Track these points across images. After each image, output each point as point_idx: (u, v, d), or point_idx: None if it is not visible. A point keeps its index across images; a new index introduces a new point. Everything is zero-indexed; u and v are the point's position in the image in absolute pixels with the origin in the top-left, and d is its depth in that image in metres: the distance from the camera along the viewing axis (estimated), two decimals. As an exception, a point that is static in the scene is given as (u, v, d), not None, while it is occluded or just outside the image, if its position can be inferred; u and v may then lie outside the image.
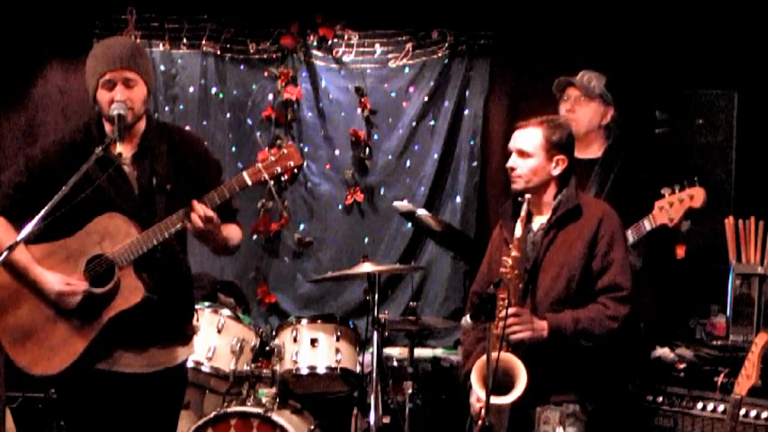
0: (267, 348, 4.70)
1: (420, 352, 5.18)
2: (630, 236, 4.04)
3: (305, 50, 5.95)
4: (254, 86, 5.99)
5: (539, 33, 5.65)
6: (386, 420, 4.47)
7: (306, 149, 5.92)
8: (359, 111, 5.91)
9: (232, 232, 3.46)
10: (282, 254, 5.98)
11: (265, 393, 4.67)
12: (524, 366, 3.40)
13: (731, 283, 4.16)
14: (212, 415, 4.43)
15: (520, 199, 3.60)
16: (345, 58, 5.94)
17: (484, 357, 3.28)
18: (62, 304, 3.23)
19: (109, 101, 3.28)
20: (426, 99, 5.85)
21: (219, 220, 3.28)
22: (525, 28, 5.70)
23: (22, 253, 3.24)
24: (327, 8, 5.91)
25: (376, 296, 4.31)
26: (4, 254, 3.08)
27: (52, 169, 3.29)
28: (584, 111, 4.38)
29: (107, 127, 3.34)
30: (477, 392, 3.45)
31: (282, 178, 5.81)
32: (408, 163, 5.91)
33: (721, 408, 3.82)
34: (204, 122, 5.98)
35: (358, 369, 4.69)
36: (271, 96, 5.96)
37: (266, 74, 5.97)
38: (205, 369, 4.52)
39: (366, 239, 5.91)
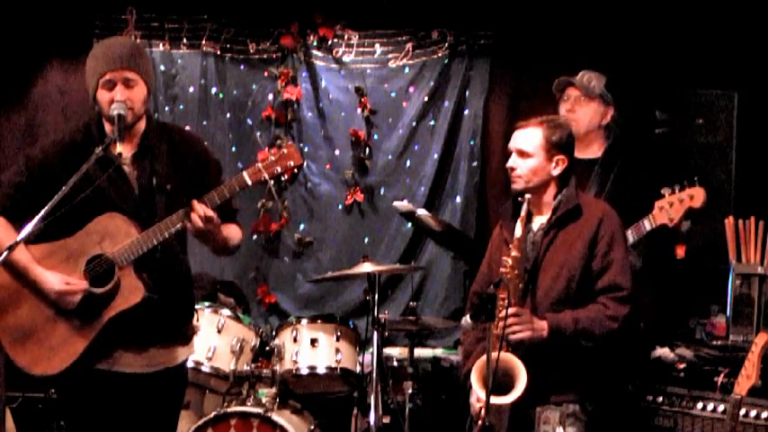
0: (267, 348, 4.70)
1: (420, 352, 5.18)
2: (630, 236, 4.04)
3: (305, 50, 5.95)
4: (254, 86, 5.99)
5: (539, 33, 5.65)
6: (386, 420, 4.47)
7: (306, 149, 5.92)
8: (359, 111, 5.91)
9: (232, 232, 3.46)
10: (282, 254, 5.98)
11: (265, 393, 4.67)
12: (524, 366, 3.40)
13: (731, 283, 4.16)
14: (212, 415, 4.43)
15: (520, 199, 3.60)
16: (345, 58, 5.94)
17: (484, 357, 3.28)
18: (62, 304, 3.23)
19: (109, 101, 3.28)
20: (426, 99, 5.85)
21: (219, 220, 3.28)
22: (525, 28, 5.70)
23: (22, 253, 3.24)
24: (327, 8, 5.91)
25: (376, 296, 4.31)
26: (4, 254, 3.08)
27: (52, 169, 3.29)
28: (584, 111, 4.38)
29: (107, 127, 3.34)
30: (477, 392, 3.45)
31: (282, 178, 5.81)
32: (408, 163, 5.91)
33: (721, 408, 3.82)
34: (204, 122, 5.98)
35: (358, 369, 4.69)
36: (271, 96, 5.96)
37: (266, 74, 5.97)
38: (205, 369, 4.52)
39: (366, 239, 5.91)
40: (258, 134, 5.95)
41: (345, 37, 5.93)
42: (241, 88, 6.00)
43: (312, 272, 5.87)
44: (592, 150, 4.38)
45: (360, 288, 5.54)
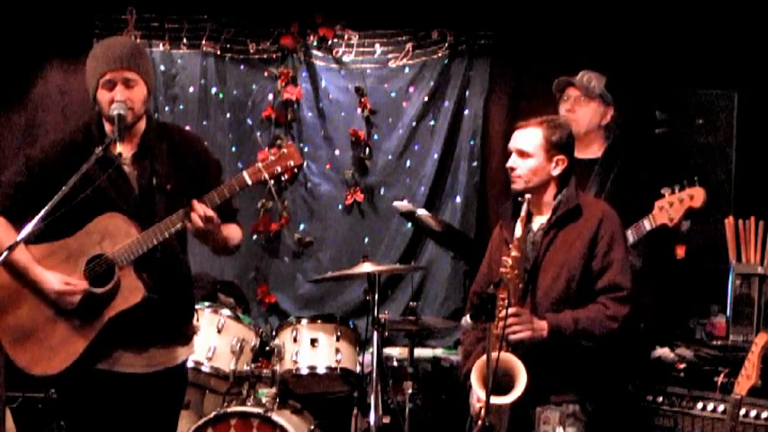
0: (267, 348, 4.70)
1: (420, 352, 5.18)
2: (630, 236, 4.04)
3: (305, 50, 5.95)
4: (254, 86, 5.99)
5: (539, 33, 5.65)
6: (386, 420, 4.47)
7: (306, 149, 5.92)
8: (359, 111, 5.91)
9: (232, 232, 3.46)
10: (282, 254, 5.98)
11: (265, 393, 4.67)
12: (524, 366, 3.40)
13: (731, 283, 4.16)
14: (212, 415, 4.43)
15: (520, 199, 3.60)
16: (345, 58, 5.94)
17: (484, 357, 3.28)
18: (62, 304, 3.23)
19: (109, 101, 3.28)
20: (426, 99, 5.85)
21: (219, 220, 3.28)
22: (525, 28, 5.70)
23: (22, 253, 3.23)
24: (327, 8, 5.91)
25: (376, 296, 4.31)
26: (4, 254, 3.08)
27: (52, 169, 3.29)
28: (584, 111, 4.38)
29: (107, 127, 3.34)
30: (477, 392, 3.45)
31: (282, 178, 5.82)
32: (408, 163, 5.91)
33: (721, 408, 3.82)
34: (204, 122, 5.98)
35: (358, 369, 4.69)
36: (271, 96, 5.96)
37: (266, 74, 5.97)
38: (205, 369, 4.52)
39: (366, 239, 5.91)
40: (258, 134, 5.95)
41: (345, 37, 5.93)
42: (241, 88, 6.00)
43: (312, 272, 5.86)
44: (592, 150, 4.39)
45: (360, 288, 5.54)
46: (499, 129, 5.79)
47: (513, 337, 3.45)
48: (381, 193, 5.93)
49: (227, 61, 5.99)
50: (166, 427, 3.52)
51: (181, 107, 5.99)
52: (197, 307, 4.38)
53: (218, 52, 5.98)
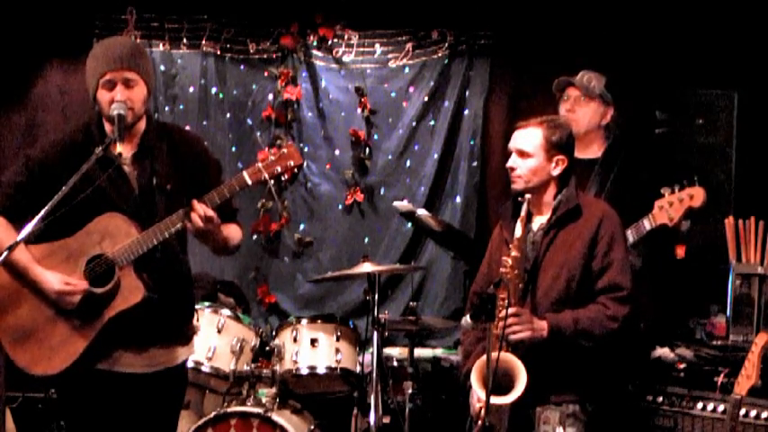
0: (267, 348, 4.70)
1: (420, 352, 5.18)
2: (630, 235, 4.04)
3: (305, 50, 5.95)
4: (254, 86, 5.99)
5: (539, 33, 5.65)
6: (386, 420, 4.47)
7: (306, 149, 5.92)
8: (359, 111, 5.91)
9: (232, 232, 3.46)
10: (282, 254, 5.98)
11: (265, 393, 4.67)
12: (524, 366, 3.40)
13: (731, 283, 4.16)
14: (212, 415, 4.43)
15: (520, 199, 3.60)
16: (345, 58, 5.94)
17: (484, 357, 3.28)
18: (62, 304, 3.23)
19: (109, 101, 3.28)
20: (426, 99, 5.85)
21: (219, 220, 3.28)
22: (525, 28, 5.70)
23: (22, 253, 3.23)
24: (327, 8, 5.91)
25: (376, 296, 4.31)
26: (4, 254, 3.08)
27: (52, 169, 3.29)
28: (583, 111, 4.38)
29: (107, 127, 3.33)
30: (477, 392, 3.45)
31: (282, 178, 5.82)
32: (408, 163, 5.91)
33: (721, 408, 3.82)
34: (204, 122, 5.98)
35: (358, 369, 4.69)
36: (271, 96, 5.97)
37: (266, 74, 5.97)
38: (205, 369, 4.52)
39: (366, 239, 5.91)
40: (258, 134, 5.95)
41: (345, 37, 5.93)
42: (241, 88, 6.00)
43: (312, 272, 5.86)
44: (592, 150, 4.38)
45: (360, 288, 5.54)
46: (499, 129, 5.79)
47: (513, 337, 3.45)
48: (381, 193, 5.93)
49: (227, 61, 5.99)
50: (166, 427, 3.52)
51: (181, 107, 6.00)
52: (197, 307, 4.38)
53: (218, 52, 5.98)
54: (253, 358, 4.68)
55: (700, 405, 3.90)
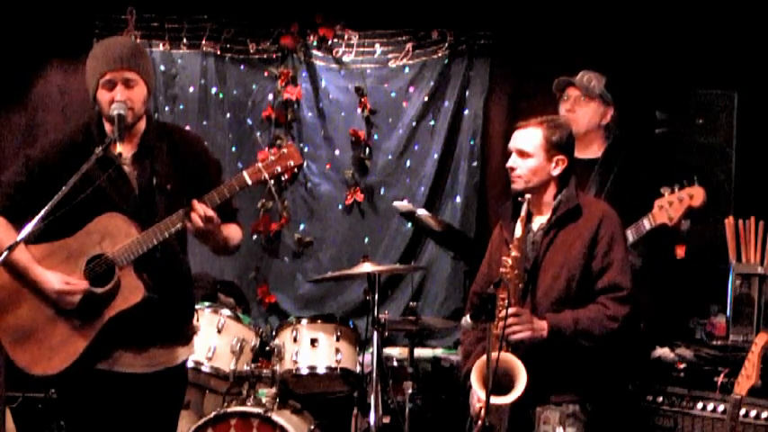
0: (267, 348, 4.70)
1: (420, 352, 5.18)
2: (630, 235, 4.04)
3: (305, 50, 5.95)
4: (254, 86, 5.99)
5: (539, 33, 5.65)
6: (386, 420, 4.47)
7: (306, 149, 5.92)
8: (359, 111, 5.91)
9: (232, 232, 3.46)
10: (282, 254, 5.98)
11: (265, 393, 4.67)
12: (524, 366, 3.40)
13: (731, 283, 4.16)
14: (212, 415, 4.43)
15: (520, 199, 3.60)
16: (345, 58, 5.94)
17: (484, 357, 3.28)
18: (62, 304, 3.23)
19: (109, 101, 3.28)
20: (426, 99, 5.85)
21: (219, 220, 3.27)
22: (525, 28, 5.70)
23: (22, 253, 3.23)
24: (327, 8, 5.91)
25: (376, 296, 4.31)
26: (4, 254, 3.08)
27: (52, 169, 3.29)
28: (583, 111, 4.38)
29: (107, 127, 3.33)
30: (477, 392, 3.45)
31: (282, 178, 5.82)
32: (408, 163, 5.91)
33: (721, 408, 3.82)
34: (204, 122, 5.98)
35: (358, 369, 4.69)
36: (271, 96, 5.97)
37: (266, 74, 5.98)
38: (205, 369, 4.52)
39: (366, 239, 5.91)
40: (258, 134, 5.96)
41: (345, 37, 5.93)
42: (241, 88, 6.00)
43: (312, 272, 5.87)
44: (592, 150, 4.38)
45: (360, 288, 5.54)
46: (499, 129, 5.79)
47: (513, 337, 3.45)
48: (381, 193, 5.93)
49: (227, 61, 5.99)
50: (166, 427, 3.52)
51: (181, 107, 6.00)
52: (197, 307, 4.38)
53: (218, 52, 5.98)
54: (253, 358, 4.68)
55: (700, 405, 3.90)
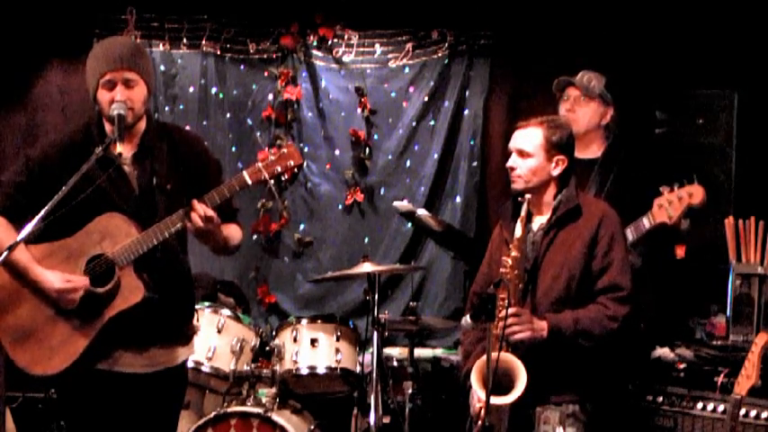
0: (267, 348, 4.70)
1: (420, 352, 5.18)
2: (630, 234, 4.04)
3: (305, 50, 5.95)
4: (254, 86, 5.99)
5: (539, 33, 5.65)
6: (386, 420, 4.47)
7: (306, 149, 5.92)
8: (359, 111, 5.91)
9: (232, 232, 3.46)
10: (282, 254, 5.98)
11: (265, 393, 4.67)
12: (524, 366, 3.40)
13: (731, 283, 4.16)
14: (212, 415, 4.43)
15: (520, 199, 3.60)
16: (345, 58, 5.94)
17: (484, 357, 3.28)
18: (63, 302, 3.23)
19: (109, 101, 3.28)
20: (426, 99, 5.85)
21: (220, 220, 3.27)
22: (525, 28, 5.70)
23: (22, 253, 3.23)
24: (327, 8, 5.91)
25: (376, 296, 4.31)
26: (4, 254, 3.08)
27: (52, 169, 3.29)
28: (583, 111, 4.38)
29: (107, 127, 3.33)
30: (477, 392, 3.45)
31: (282, 178, 5.82)
32: (408, 163, 5.91)
33: (721, 408, 3.82)
34: (204, 122, 5.98)
35: (358, 369, 4.69)
36: (271, 96, 5.97)
37: (266, 74, 5.98)
38: (205, 369, 4.52)
39: (366, 239, 5.91)
40: (258, 134, 5.96)
41: (345, 37, 5.93)
42: (241, 88, 6.00)
43: (312, 272, 5.87)
44: (591, 150, 4.38)
45: (360, 288, 5.54)
46: (499, 129, 5.79)
47: (513, 337, 3.45)
48: (381, 193, 5.93)
49: (227, 61, 5.99)
50: (166, 427, 3.52)
51: (181, 107, 6.00)
52: (197, 307, 4.38)
53: (218, 52, 5.98)
54: (253, 358, 4.68)
55: (700, 405, 3.90)
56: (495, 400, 3.29)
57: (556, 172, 3.62)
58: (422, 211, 5.01)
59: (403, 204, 5.17)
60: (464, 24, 5.81)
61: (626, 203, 3.98)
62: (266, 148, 5.84)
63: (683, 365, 4.08)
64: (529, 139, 3.62)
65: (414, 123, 5.87)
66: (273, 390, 4.63)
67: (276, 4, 5.93)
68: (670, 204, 4.06)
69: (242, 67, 6.00)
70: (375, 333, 4.27)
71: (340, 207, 5.95)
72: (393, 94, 5.91)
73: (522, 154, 3.63)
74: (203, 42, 5.96)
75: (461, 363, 3.79)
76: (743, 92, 4.91)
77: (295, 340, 4.64)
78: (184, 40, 5.97)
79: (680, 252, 4.41)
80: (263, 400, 4.57)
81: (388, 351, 5.12)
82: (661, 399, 4.03)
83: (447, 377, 5.17)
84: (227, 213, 3.41)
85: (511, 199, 3.71)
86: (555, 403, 3.51)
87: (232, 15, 5.97)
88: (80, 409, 3.36)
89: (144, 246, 3.23)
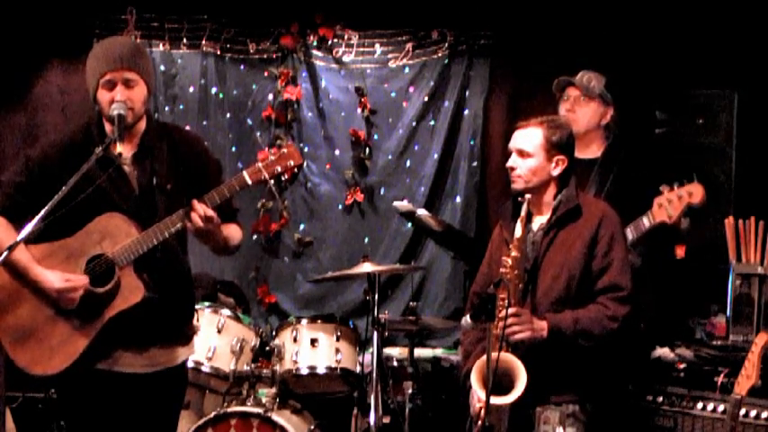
0: (267, 348, 4.70)
1: (420, 352, 5.18)
2: (629, 233, 4.05)
3: (305, 50, 5.95)
4: (254, 86, 6.00)
5: (539, 33, 5.65)
6: (386, 420, 4.47)
7: (306, 149, 5.92)
8: (359, 111, 5.91)
9: (232, 232, 3.46)
10: (282, 254, 5.99)
11: (265, 393, 4.67)
12: (524, 366, 3.40)
13: (731, 283, 4.16)
14: (212, 415, 4.43)
15: (520, 199, 3.60)
16: (345, 58, 5.94)
17: (484, 357, 3.28)
18: (63, 302, 3.23)
19: (109, 101, 3.28)
20: (426, 99, 5.85)
21: (220, 220, 3.28)
22: (525, 28, 5.70)
23: (22, 253, 3.23)
24: (327, 8, 5.91)
25: (376, 296, 4.31)
26: (4, 254, 3.08)
27: (52, 169, 3.29)
28: (583, 111, 4.38)
29: (107, 127, 3.33)
30: (477, 392, 3.45)
31: (282, 178, 5.82)
32: (408, 163, 5.91)
33: (721, 408, 3.82)
34: (204, 122, 5.98)
35: (358, 369, 4.69)
36: (271, 96, 5.97)
37: (266, 74, 5.98)
38: (205, 369, 4.52)
39: (366, 239, 5.91)
40: (258, 134, 5.96)
41: (345, 37, 5.93)
42: (241, 88, 6.00)
43: (312, 272, 5.87)
44: (591, 150, 4.38)
45: (360, 288, 5.54)
46: (499, 129, 5.79)
47: (513, 337, 3.45)
48: (381, 193, 5.93)
49: (227, 61, 5.99)
50: (166, 427, 3.52)
51: (181, 107, 6.00)
52: (197, 307, 4.38)
53: (218, 52, 5.98)
54: (253, 358, 4.68)
55: (700, 405, 3.90)
56: (495, 400, 3.29)
57: (556, 172, 3.62)
58: (422, 211, 5.01)
59: (403, 204, 5.17)
60: (464, 24, 5.81)
61: (626, 203, 3.98)
62: (266, 148, 5.84)
63: (683, 365, 4.08)
64: (529, 139, 3.63)
65: (414, 123, 5.87)
66: (273, 390, 4.63)
67: (276, 4, 5.93)
68: (670, 203, 4.06)
69: (242, 67, 6.00)
70: (375, 333, 4.27)
71: (340, 207, 5.95)
72: (393, 94, 5.91)
73: (522, 154, 3.63)
74: (203, 42, 5.96)
75: (461, 363, 3.79)
76: (743, 92, 4.91)
77: (295, 340, 4.64)
78: (184, 40, 5.97)
79: (680, 252, 4.41)
80: (263, 400, 4.57)
81: (388, 351, 5.12)
82: (661, 399, 4.03)
83: (447, 377, 5.17)
84: (227, 213, 3.41)
85: (511, 199, 3.71)
86: (555, 403, 3.51)
87: (232, 15, 5.97)
88: (80, 409, 3.36)
89: (144, 246, 3.23)
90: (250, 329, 4.71)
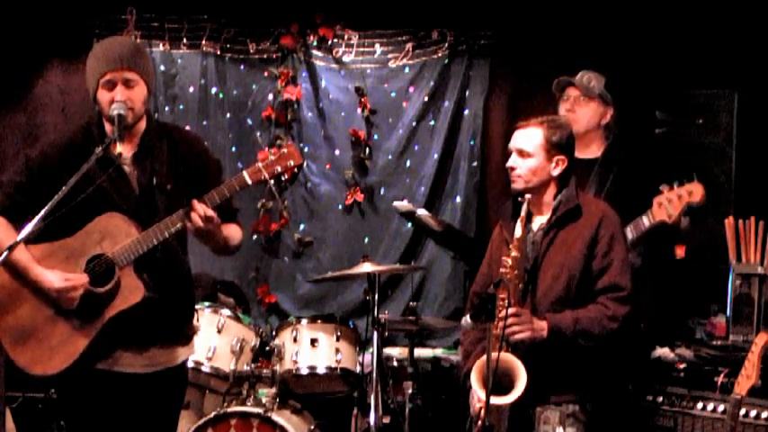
0: (267, 348, 4.71)
1: (420, 352, 5.18)
2: (629, 233, 4.05)
3: (305, 50, 5.95)
4: (254, 86, 6.00)
5: (539, 33, 5.65)
6: (386, 420, 4.48)
7: (306, 149, 5.92)
8: (359, 111, 5.91)
9: (232, 232, 3.46)
10: (282, 254, 5.99)
11: (265, 393, 4.67)
12: (524, 366, 3.40)
13: (731, 283, 4.16)
14: (212, 415, 4.43)
15: (520, 199, 3.60)
16: (345, 58, 5.94)
17: (484, 357, 3.28)
18: (63, 302, 3.23)
19: (109, 101, 3.28)
20: (426, 99, 5.85)
21: (220, 220, 3.28)
22: (525, 28, 5.70)
23: (22, 253, 3.23)
24: (327, 8, 5.91)
25: (376, 296, 4.32)
26: (4, 254, 3.08)
27: (52, 169, 3.29)
28: (583, 111, 4.38)
29: (107, 127, 3.33)
30: (477, 392, 3.45)
31: (282, 178, 5.82)
32: (408, 163, 5.91)
33: (721, 408, 3.82)
34: (204, 122, 5.98)
35: (358, 369, 4.69)
36: (271, 96, 5.97)
37: (266, 74, 5.98)
38: (205, 369, 4.52)
39: (366, 239, 5.91)
40: (258, 134, 5.96)
41: (345, 37, 5.93)
42: (241, 88, 6.00)
43: (312, 272, 5.87)
44: (591, 150, 4.38)
45: (360, 288, 5.54)
46: (499, 129, 5.79)
47: (513, 337, 3.45)
48: (381, 193, 5.93)
49: (227, 61, 5.99)
50: (166, 427, 3.52)
51: (181, 107, 6.00)
52: (197, 307, 4.38)
53: (218, 52, 5.98)
54: (253, 358, 4.68)
55: (700, 405, 3.90)
56: (495, 400, 3.29)
57: (556, 172, 3.62)
58: (422, 211, 5.01)
59: (403, 204, 5.17)
60: (464, 24, 5.81)
61: (626, 203, 3.99)
62: (266, 148, 5.84)
63: (683, 365, 4.08)
64: (529, 139, 3.63)
65: (414, 123, 5.87)
66: (273, 390, 4.63)
67: (276, 4, 5.93)
68: (670, 203, 4.06)
69: (242, 67, 6.00)
70: (375, 333, 4.27)
71: (340, 207, 5.95)
72: (393, 94, 5.91)
73: (522, 154, 3.63)
74: (203, 42, 5.96)
75: (461, 363, 3.79)
76: (743, 92, 4.91)
77: (295, 340, 4.64)
78: (184, 40, 5.97)
79: (680, 252, 4.41)
80: (263, 400, 4.57)
81: (388, 351, 5.12)
82: (661, 399, 4.03)
83: (447, 377, 5.17)
84: (227, 213, 3.41)
85: (511, 199, 3.71)
86: (555, 403, 3.51)
87: (232, 15, 5.97)
88: (80, 409, 3.36)
89: (144, 246, 3.23)
90: (250, 329, 4.71)
